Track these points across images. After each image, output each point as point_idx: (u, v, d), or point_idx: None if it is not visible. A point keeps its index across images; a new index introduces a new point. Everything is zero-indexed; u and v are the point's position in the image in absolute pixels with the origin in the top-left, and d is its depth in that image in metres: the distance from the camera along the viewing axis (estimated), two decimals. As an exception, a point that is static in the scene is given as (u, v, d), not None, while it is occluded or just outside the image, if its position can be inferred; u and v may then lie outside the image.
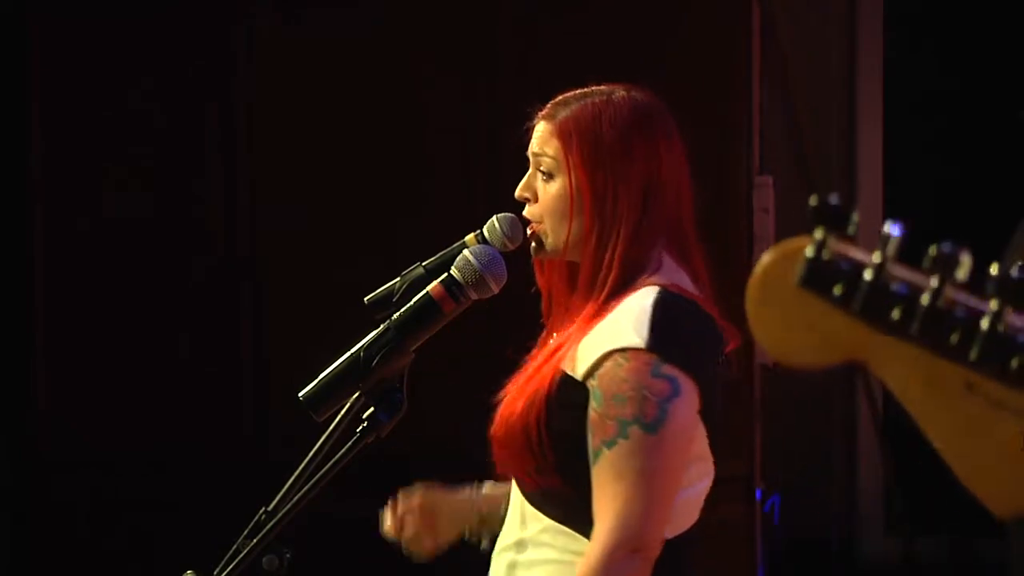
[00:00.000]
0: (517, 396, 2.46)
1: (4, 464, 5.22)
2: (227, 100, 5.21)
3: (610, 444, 2.35)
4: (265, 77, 5.18)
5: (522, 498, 2.51)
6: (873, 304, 1.00)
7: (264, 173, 5.18)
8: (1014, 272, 0.96)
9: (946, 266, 1.00)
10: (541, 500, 2.48)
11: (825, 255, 1.03)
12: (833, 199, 1.03)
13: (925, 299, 0.99)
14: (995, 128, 5.47)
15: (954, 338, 0.98)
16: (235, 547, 2.28)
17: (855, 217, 1.03)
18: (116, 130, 5.22)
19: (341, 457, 2.30)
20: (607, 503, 2.36)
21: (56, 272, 5.21)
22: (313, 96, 5.14)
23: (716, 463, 2.52)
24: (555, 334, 2.54)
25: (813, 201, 1.04)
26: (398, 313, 2.39)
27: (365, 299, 2.49)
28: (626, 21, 4.91)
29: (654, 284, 2.42)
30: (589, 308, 2.44)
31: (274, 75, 5.16)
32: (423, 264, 2.49)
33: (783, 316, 1.04)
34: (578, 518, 2.42)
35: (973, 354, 0.97)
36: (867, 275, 1.01)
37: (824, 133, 5.50)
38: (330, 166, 5.12)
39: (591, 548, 2.37)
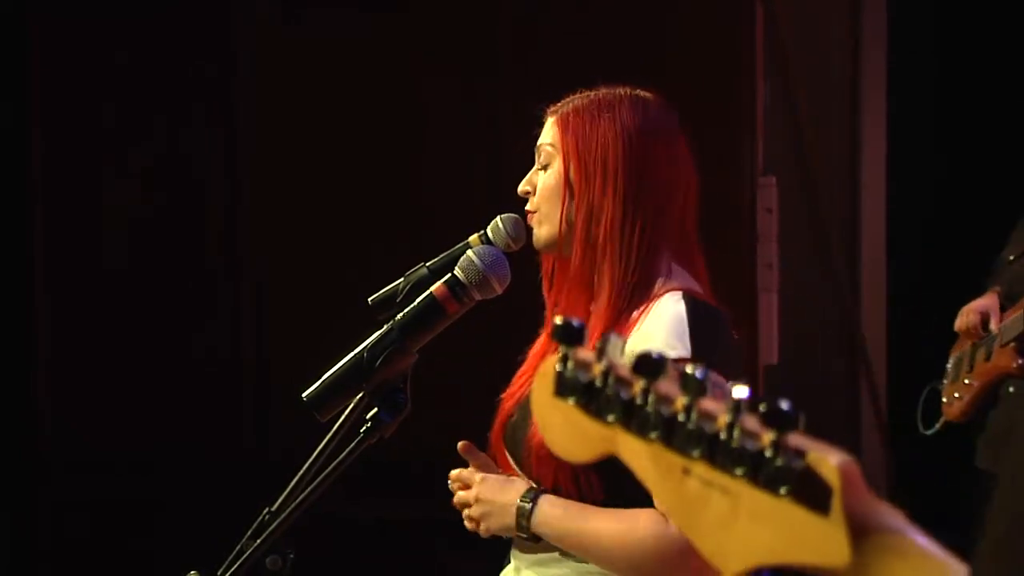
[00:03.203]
0: None
1: (4, 464, 5.21)
2: (227, 100, 5.21)
3: None
4: (265, 77, 5.17)
5: None
6: (601, 408, 1.20)
7: (264, 173, 5.18)
8: (698, 372, 1.14)
9: (651, 371, 1.17)
10: None
11: (569, 367, 1.22)
12: (574, 322, 1.22)
13: (638, 400, 1.18)
14: (998, 127, 5.46)
15: (654, 434, 1.16)
16: (239, 547, 2.27)
17: (587, 332, 1.23)
18: (116, 130, 5.21)
19: (344, 457, 2.28)
20: None
21: (56, 272, 5.20)
22: (313, 96, 5.14)
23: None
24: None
25: (558, 321, 1.21)
26: (401, 314, 2.38)
27: (369, 299, 2.48)
28: (628, 21, 4.90)
29: (676, 290, 2.40)
30: (607, 307, 2.41)
31: (274, 75, 5.16)
32: (427, 264, 2.48)
33: (554, 420, 1.23)
34: None
35: (675, 444, 1.16)
36: (597, 383, 1.20)
37: (827, 133, 5.49)
38: (330, 166, 5.12)
39: (657, 527, 2.29)
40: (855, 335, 5.56)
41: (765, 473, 1.10)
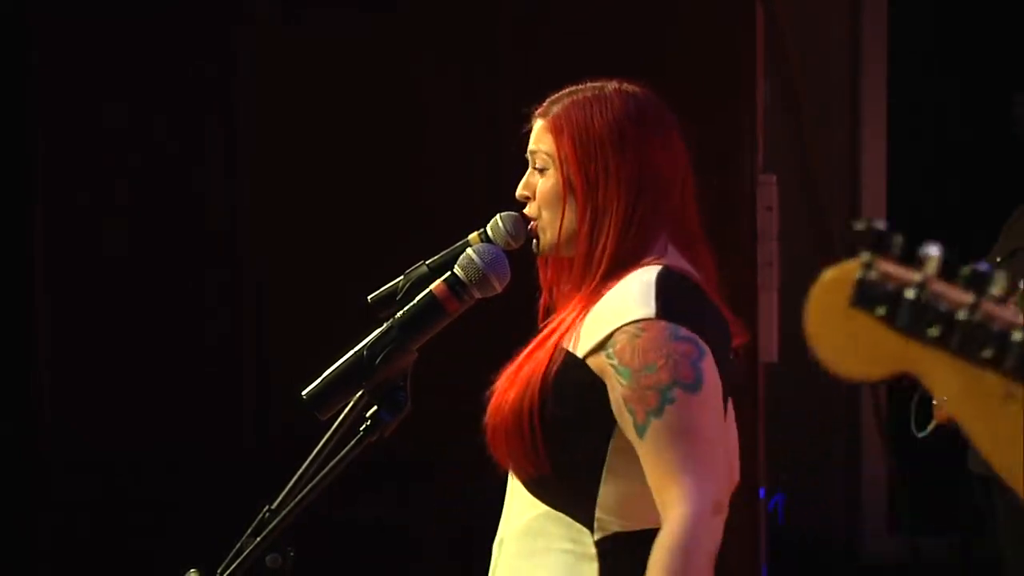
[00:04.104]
0: (511, 382, 2.45)
1: (4, 464, 5.21)
2: (227, 100, 5.21)
3: (657, 412, 2.31)
4: (265, 77, 5.17)
5: (518, 484, 2.49)
6: (915, 321, 1.08)
7: (264, 173, 5.17)
8: None
9: (981, 283, 1.06)
10: (535, 487, 2.45)
11: (872, 276, 1.10)
12: (879, 224, 1.09)
13: (962, 315, 1.06)
14: (997, 127, 5.47)
15: (988, 352, 1.05)
16: (239, 546, 2.27)
17: (899, 239, 1.10)
18: (116, 131, 5.21)
19: (344, 456, 2.29)
20: (676, 468, 2.29)
21: (56, 273, 5.20)
22: (313, 96, 5.13)
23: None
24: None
25: (860, 225, 1.10)
26: (401, 312, 2.38)
27: (369, 298, 2.48)
28: (628, 21, 4.90)
29: (656, 264, 2.42)
30: (586, 288, 2.43)
31: (274, 75, 5.16)
32: (426, 262, 2.48)
33: (839, 334, 1.11)
34: (572, 504, 2.41)
35: (1008, 365, 1.04)
36: (909, 294, 1.08)
37: (828, 131, 5.50)
38: (330, 166, 5.11)
39: (675, 517, 2.28)
40: (855, 334, 5.56)
41: None
